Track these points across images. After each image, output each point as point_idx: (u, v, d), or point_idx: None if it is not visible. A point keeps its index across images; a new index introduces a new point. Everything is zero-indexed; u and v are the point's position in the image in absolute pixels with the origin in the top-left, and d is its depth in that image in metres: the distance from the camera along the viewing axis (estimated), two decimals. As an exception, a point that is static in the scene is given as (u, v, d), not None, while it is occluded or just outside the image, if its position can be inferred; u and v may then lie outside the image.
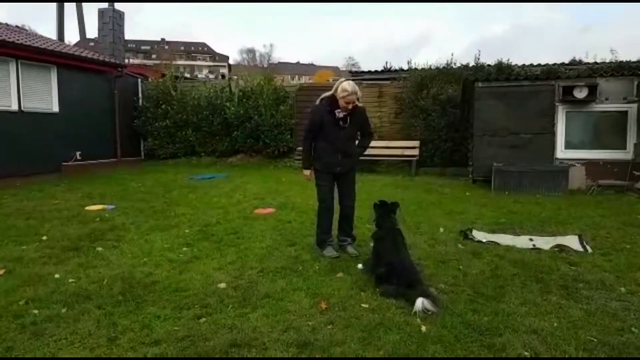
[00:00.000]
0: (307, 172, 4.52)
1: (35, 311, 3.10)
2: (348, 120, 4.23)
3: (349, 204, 4.49)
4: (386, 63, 14.42)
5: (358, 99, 4.20)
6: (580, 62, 12.52)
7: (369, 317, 2.98)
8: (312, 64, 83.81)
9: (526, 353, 2.51)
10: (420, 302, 2.95)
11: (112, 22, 14.18)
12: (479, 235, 5.00)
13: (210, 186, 8.93)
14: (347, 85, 4.10)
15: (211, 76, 19.41)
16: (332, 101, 4.19)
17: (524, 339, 2.65)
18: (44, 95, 10.88)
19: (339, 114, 4.18)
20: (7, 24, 12.70)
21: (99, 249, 4.63)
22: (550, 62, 12.72)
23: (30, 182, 9.34)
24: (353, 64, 63.50)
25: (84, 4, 17.34)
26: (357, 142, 4.54)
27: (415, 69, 12.67)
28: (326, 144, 4.30)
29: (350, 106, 4.13)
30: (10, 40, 9.69)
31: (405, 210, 6.48)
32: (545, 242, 4.73)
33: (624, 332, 2.77)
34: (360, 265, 3.97)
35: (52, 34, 16.62)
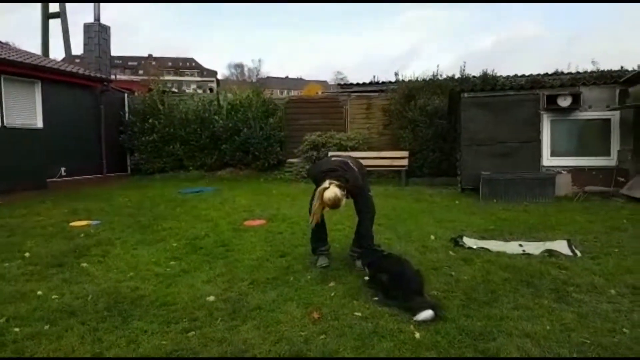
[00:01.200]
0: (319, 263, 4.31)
1: (17, 329, 2.98)
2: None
3: (364, 215, 4.23)
4: (374, 77, 14.57)
5: (363, 178, 4.13)
6: (562, 73, 12.77)
7: (362, 325, 2.93)
8: (300, 79, 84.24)
9: (520, 357, 2.48)
10: (430, 314, 2.92)
11: (97, 36, 14.13)
12: (470, 241, 5.00)
13: (199, 200, 8.84)
14: (328, 195, 3.75)
15: (199, 91, 19.36)
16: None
17: (517, 343, 2.63)
18: (27, 110, 10.75)
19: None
20: (-10, 40, 12.58)
21: (84, 264, 4.52)
22: (534, 73, 12.96)
23: (14, 199, 9.16)
24: (341, 78, 64.01)
25: (70, 20, 17.18)
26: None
27: (403, 80, 12.82)
28: None
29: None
30: (-6, 55, 9.59)
31: (396, 219, 6.50)
32: (534, 248, 4.74)
33: (616, 333, 2.76)
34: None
35: (37, 50, 16.48)
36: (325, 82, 68.18)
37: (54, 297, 3.60)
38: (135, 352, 2.67)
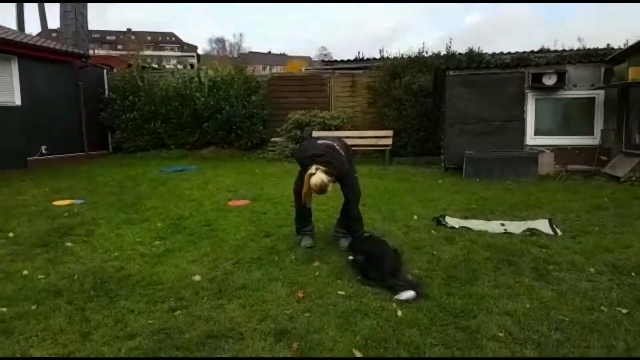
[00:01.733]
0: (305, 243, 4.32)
1: (4, 309, 2.99)
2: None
3: (351, 196, 4.22)
4: (359, 53, 14.43)
5: (349, 160, 4.11)
6: (549, 50, 12.80)
7: (346, 303, 2.99)
8: (284, 54, 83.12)
9: (500, 334, 2.56)
10: (412, 294, 2.98)
11: (74, 10, 13.71)
12: (452, 221, 5.08)
13: (182, 179, 8.78)
14: (315, 181, 3.73)
15: (180, 66, 18.99)
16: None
17: (497, 320, 2.71)
18: (5, 87, 10.45)
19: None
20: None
21: (69, 244, 4.49)
22: (520, 51, 12.98)
23: (-8, 178, 8.98)
24: (325, 54, 63.32)
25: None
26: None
27: (388, 58, 12.72)
28: None
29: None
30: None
31: (380, 199, 6.55)
32: (516, 227, 4.84)
33: (594, 310, 2.86)
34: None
35: (12, 25, 15.93)
36: (309, 58, 67.40)
37: (39, 277, 3.59)
38: (122, 331, 2.69)
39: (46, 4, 16.67)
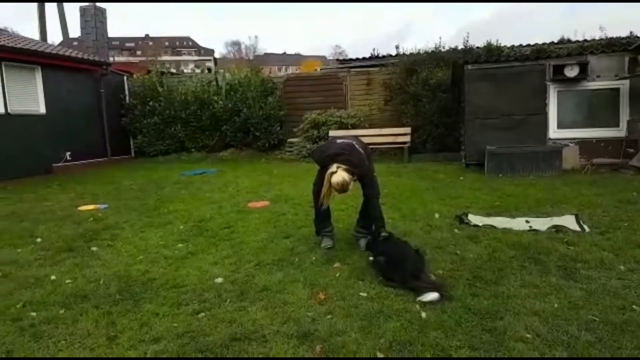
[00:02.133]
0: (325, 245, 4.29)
1: (33, 313, 3.05)
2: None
3: (370, 195, 4.17)
4: (373, 50, 14.31)
5: (368, 159, 4.05)
6: (569, 41, 12.49)
7: (368, 305, 2.96)
8: (298, 54, 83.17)
9: (528, 335, 2.50)
10: (436, 296, 2.93)
11: (94, 19, 13.97)
12: (475, 219, 4.99)
13: (202, 181, 8.86)
14: (336, 179, 3.70)
15: (197, 70, 19.31)
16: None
17: (525, 321, 2.65)
18: (30, 97, 10.72)
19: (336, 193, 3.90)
20: (-13, 26, 12.44)
21: (94, 248, 4.58)
22: (540, 42, 12.69)
23: (21, 184, 9.23)
24: (340, 53, 63.17)
25: (65, 3, 16.96)
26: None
27: (404, 54, 12.61)
28: None
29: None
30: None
31: (399, 197, 6.49)
32: (541, 223, 4.73)
33: (626, 310, 2.76)
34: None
35: (35, 35, 16.33)
36: (323, 57, 67.27)
37: (67, 281, 3.66)
38: (148, 334, 2.72)
39: (67, 14, 17.04)
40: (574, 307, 2.83)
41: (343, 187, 3.73)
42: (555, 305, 2.86)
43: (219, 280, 3.54)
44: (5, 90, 9.90)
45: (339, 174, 3.72)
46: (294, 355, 2.42)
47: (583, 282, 3.22)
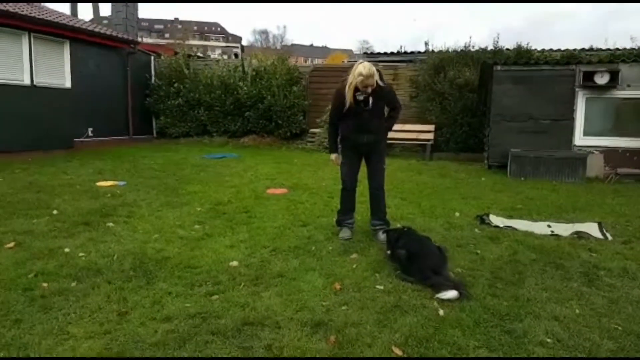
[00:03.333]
0: (333, 157, 4.39)
1: (45, 284, 3.06)
2: (370, 102, 4.05)
3: (375, 184, 4.32)
4: (401, 47, 14.11)
5: (381, 78, 4.02)
6: (599, 49, 12.12)
7: (385, 299, 2.91)
8: (325, 47, 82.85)
9: (548, 340, 2.42)
10: (455, 294, 2.86)
11: (125, -2, 14.04)
12: (496, 220, 4.88)
13: (222, 165, 8.87)
14: (362, 68, 3.84)
15: (224, 57, 19.33)
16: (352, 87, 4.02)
17: (545, 325, 2.56)
18: (57, 70, 10.83)
19: (360, 96, 4.01)
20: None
21: (110, 224, 4.60)
22: (570, 48, 12.36)
23: (42, 157, 9.36)
24: (367, 47, 62.62)
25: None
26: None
27: (433, 51, 12.40)
28: (350, 124, 4.15)
29: (368, 89, 3.94)
30: (23, 12, 9.61)
31: (419, 194, 6.40)
32: (563, 229, 4.60)
33: (649, 321, 2.66)
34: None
35: (66, 11, 16.52)
36: (350, 51, 66.81)
37: (80, 254, 3.67)
38: (159, 313, 2.70)
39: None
40: (596, 314, 2.74)
41: (369, 72, 3.83)
42: (577, 311, 2.76)
43: (234, 263, 3.52)
44: (33, 61, 10.01)
45: (364, 64, 3.89)
46: (307, 344, 2.38)
47: (605, 290, 3.11)
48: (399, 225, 4.12)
